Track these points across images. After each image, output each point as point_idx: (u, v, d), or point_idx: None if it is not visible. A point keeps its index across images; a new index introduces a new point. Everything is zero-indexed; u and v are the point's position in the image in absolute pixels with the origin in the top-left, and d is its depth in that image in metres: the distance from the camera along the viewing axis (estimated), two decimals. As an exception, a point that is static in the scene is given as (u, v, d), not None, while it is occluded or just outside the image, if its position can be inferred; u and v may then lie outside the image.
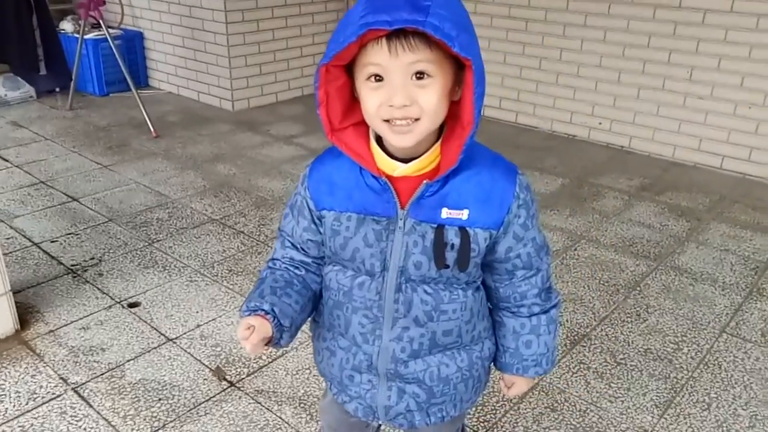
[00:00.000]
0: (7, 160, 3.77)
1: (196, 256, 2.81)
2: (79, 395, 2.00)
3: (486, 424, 1.92)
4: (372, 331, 1.09)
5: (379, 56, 0.89)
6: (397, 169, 1.00)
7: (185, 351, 2.21)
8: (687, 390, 2.07)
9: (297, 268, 1.13)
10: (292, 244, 1.14)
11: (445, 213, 1.00)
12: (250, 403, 1.98)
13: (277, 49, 4.82)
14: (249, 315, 1.04)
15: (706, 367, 2.18)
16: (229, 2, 4.44)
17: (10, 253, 2.79)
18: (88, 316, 2.39)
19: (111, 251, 2.83)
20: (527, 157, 3.95)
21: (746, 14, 3.47)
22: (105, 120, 4.51)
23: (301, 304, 1.10)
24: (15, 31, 3.69)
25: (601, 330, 2.36)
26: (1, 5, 3.63)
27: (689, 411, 1.99)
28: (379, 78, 0.91)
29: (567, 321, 2.41)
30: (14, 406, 1.96)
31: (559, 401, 2.01)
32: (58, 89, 4.91)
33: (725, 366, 2.18)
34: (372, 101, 0.93)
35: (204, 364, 2.15)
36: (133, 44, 5.12)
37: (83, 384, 2.05)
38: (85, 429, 1.87)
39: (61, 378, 2.08)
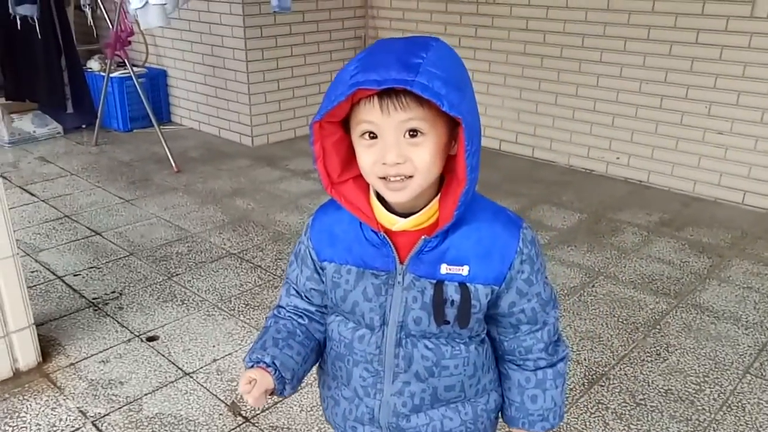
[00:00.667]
0: (34, 195, 3.87)
1: (214, 290, 2.84)
2: (98, 428, 2.02)
3: (503, 464, 1.89)
4: (373, 384, 1.08)
5: (371, 114, 0.90)
6: (396, 223, 0.99)
7: (201, 385, 2.22)
8: (709, 432, 2.03)
9: (300, 317, 1.13)
10: (297, 292, 1.14)
11: (445, 269, 0.99)
12: (264, 440, 1.98)
13: (296, 86, 4.92)
14: (252, 367, 1.05)
15: (729, 409, 2.13)
16: (249, 41, 4.56)
17: (35, 286, 2.84)
18: (107, 349, 2.42)
19: (131, 285, 2.88)
20: (544, 191, 3.95)
21: (764, 50, 3.48)
22: (128, 155, 4.62)
23: (303, 356, 1.09)
24: (44, 72, 3.84)
25: (620, 369, 2.32)
26: (32, 48, 3.78)
27: (712, 454, 1.94)
28: (373, 135, 0.92)
29: (585, 360, 2.38)
30: (33, 440, 1.98)
31: (577, 442, 1.98)
32: (84, 126, 5.05)
33: (749, 408, 2.13)
34: (367, 158, 0.93)
35: (220, 399, 2.15)
36: (157, 82, 5.26)
37: (102, 417, 2.07)
38: (101, 464, 1.89)
39: (81, 411, 2.09)
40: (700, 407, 2.13)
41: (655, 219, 3.59)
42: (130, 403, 2.13)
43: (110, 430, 2.01)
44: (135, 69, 4.56)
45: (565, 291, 2.85)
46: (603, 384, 2.24)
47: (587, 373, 2.30)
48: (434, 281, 0.99)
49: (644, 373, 2.30)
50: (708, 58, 3.67)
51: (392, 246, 1.00)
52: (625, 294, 2.83)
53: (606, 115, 4.14)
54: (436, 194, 0.98)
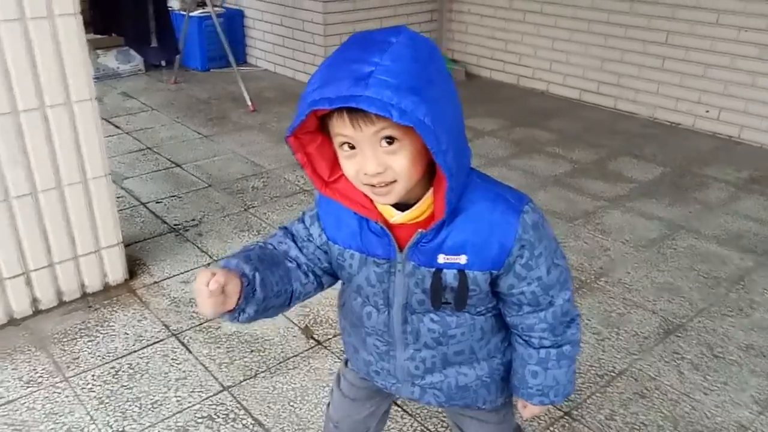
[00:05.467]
0: (118, 127, 4.03)
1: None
2: (180, 341, 2.13)
3: (571, 403, 1.88)
4: (386, 351, 1.13)
5: (344, 129, 0.88)
6: (394, 216, 0.99)
7: (276, 310, 2.29)
8: (793, 389, 1.94)
9: (299, 267, 1.09)
10: (302, 239, 1.11)
11: (443, 258, 0.98)
12: (335, 362, 2.04)
13: (372, 28, 4.85)
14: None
15: (815, 368, 2.03)
16: (328, -20, 4.51)
17: (121, 210, 2.98)
18: (188, 271, 2.53)
19: (210, 214, 2.98)
20: (625, 143, 3.79)
21: None
22: (206, 93, 4.72)
23: (279, 288, 1.04)
24: (130, 5, 3.93)
25: (699, 322, 2.25)
26: (119, -19, 3.87)
27: (794, 411, 1.87)
28: (351, 146, 0.90)
29: (660, 310, 2.31)
30: (123, 345, 2.11)
31: (649, 389, 1.94)
32: (164, 63, 5.18)
33: (838, 369, 2.03)
34: (349, 168, 0.92)
35: (293, 322, 2.23)
36: (234, 22, 5.31)
37: (183, 332, 2.18)
38: (184, 372, 2.00)
39: (164, 325, 2.21)
40: (784, 364, 2.05)
41: (744, 176, 3.40)
42: (210, 321, 2.23)
43: (191, 344, 2.12)
44: (214, 9, 4.61)
45: (643, 242, 2.76)
46: (680, 335, 2.18)
47: (663, 323, 2.24)
48: (433, 269, 1.00)
49: (724, 327, 2.22)
50: (819, 4, 3.38)
51: (391, 236, 1.00)
52: (708, 249, 2.71)
53: (698, 66, 3.91)
54: (430, 186, 0.96)
